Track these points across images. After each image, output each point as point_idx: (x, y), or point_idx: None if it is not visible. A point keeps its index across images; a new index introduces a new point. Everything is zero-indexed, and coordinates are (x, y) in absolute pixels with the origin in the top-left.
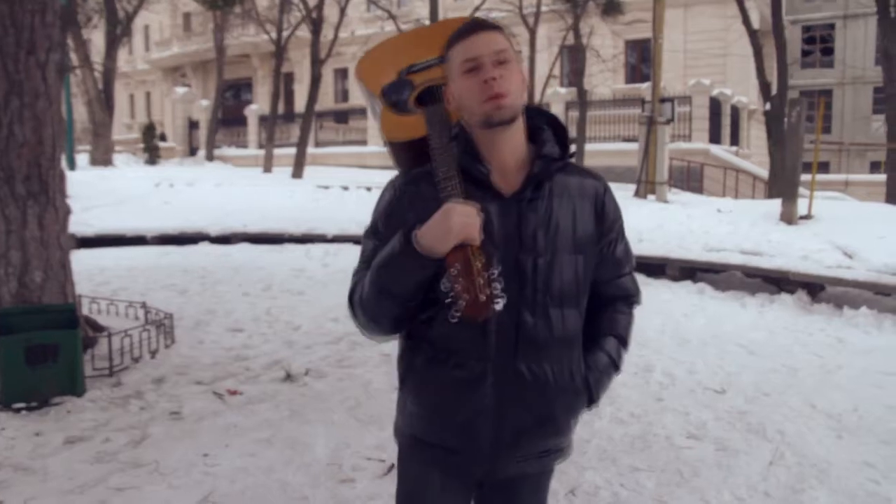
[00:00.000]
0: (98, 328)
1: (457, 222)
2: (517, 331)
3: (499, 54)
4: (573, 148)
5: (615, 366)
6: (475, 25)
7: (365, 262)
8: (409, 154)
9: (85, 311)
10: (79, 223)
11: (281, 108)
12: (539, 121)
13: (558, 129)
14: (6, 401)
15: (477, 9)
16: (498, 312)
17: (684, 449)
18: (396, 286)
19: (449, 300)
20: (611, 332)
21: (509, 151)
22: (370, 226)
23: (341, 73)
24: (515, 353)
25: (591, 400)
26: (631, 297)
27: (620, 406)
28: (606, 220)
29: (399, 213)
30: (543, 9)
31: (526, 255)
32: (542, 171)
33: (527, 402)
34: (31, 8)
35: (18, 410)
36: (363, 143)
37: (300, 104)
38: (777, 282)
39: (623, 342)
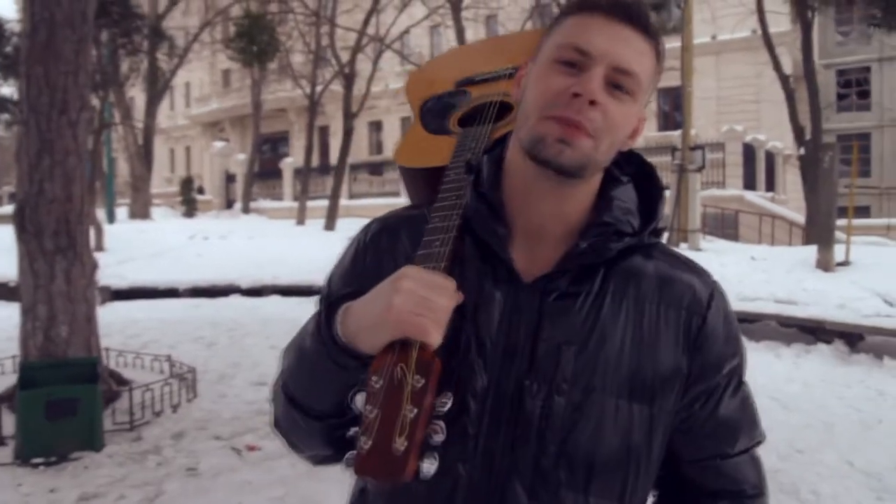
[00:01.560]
0: (122, 382)
1: (402, 304)
2: None
3: (622, 75)
4: (663, 220)
5: None
6: (625, 10)
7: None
8: (428, 189)
9: (112, 364)
10: (114, 275)
11: (316, 161)
12: (619, 169)
13: (648, 185)
14: (25, 455)
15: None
16: (464, 482)
17: None
18: (306, 395)
19: (353, 432)
20: None
21: (553, 214)
22: (321, 296)
23: (375, 126)
24: None
25: None
26: (747, 497)
27: None
28: (706, 350)
29: (355, 276)
30: None
31: (536, 384)
32: (593, 249)
33: None
34: (64, 70)
35: (36, 465)
36: (396, 194)
37: (335, 157)
38: (813, 331)
39: None
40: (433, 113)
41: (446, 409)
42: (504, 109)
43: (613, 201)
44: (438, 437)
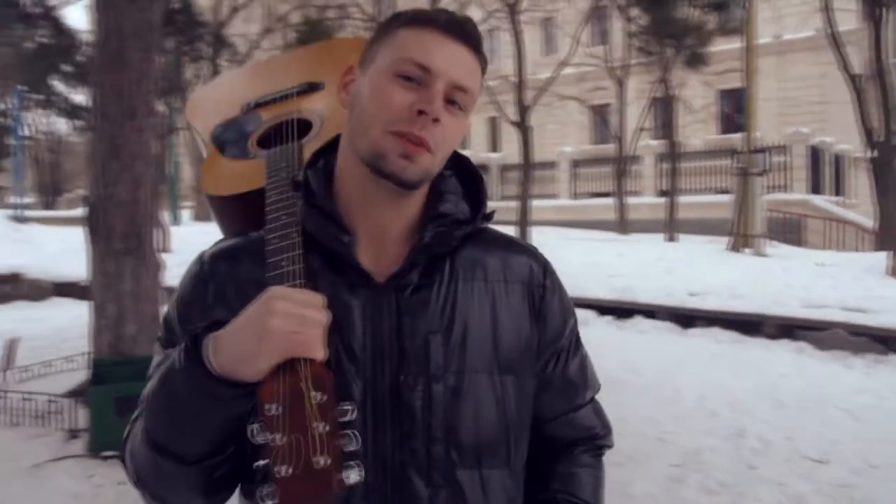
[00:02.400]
0: None
1: (279, 325)
2: None
3: (459, 92)
4: (488, 206)
5: None
6: (462, 28)
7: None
8: (242, 216)
9: None
10: (178, 276)
11: None
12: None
13: (468, 174)
14: (97, 448)
15: (564, 63)
16: (360, 487)
17: None
18: (177, 438)
19: (260, 464)
20: (568, 496)
21: (392, 217)
22: (162, 327)
23: None
24: None
25: None
26: (598, 439)
27: (708, 473)
28: (550, 318)
29: (201, 308)
30: (632, 61)
31: (412, 377)
32: (438, 240)
33: None
34: (131, 77)
35: (107, 458)
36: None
37: None
38: (885, 341)
39: None
40: (228, 139)
41: (351, 416)
42: (302, 126)
43: (445, 194)
44: (352, 445)
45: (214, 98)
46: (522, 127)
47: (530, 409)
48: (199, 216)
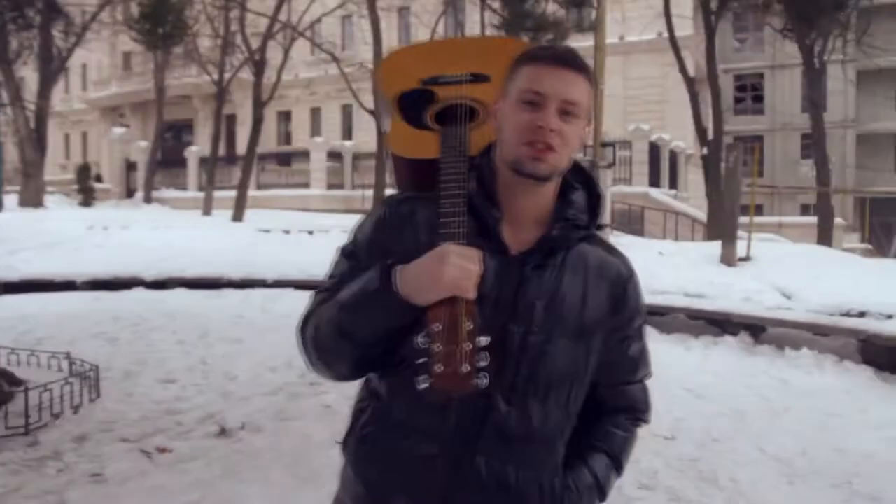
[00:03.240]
0: (15, 382)
1: (451, 272)
2: (484, 416)
3: (568, 105)
4: (605, 218)
5: (601, 491)
6: (563, 57)
7: (331, 287)
8: (415, 176)
9: (3, 362)
10: (4, 267)
11: (222, 150)
12: (572, 177)
13: (592, 192)
14: None
15: None
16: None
17: (636, 501)
18: (361, 331)
19: (421, 361)
20: (604, 448)
21: (530, 205)
22: (347, 243)
23: (284, 116)
24: (476, 442)
25: None
26: (638, 413)
27: None
28: (626, 309)
29: (384, 240)
30: None
31: (517, 326)
32: (561, 236)
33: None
34: None
35: None
36: (306, 185)
37: (242, 146)
38: (720, 324)
39: (617, 464)
40: (409, 107)
41: (485, 343)
42: (471, 112)
43: (573, 203)
44: (484, 362)
45: (402, 64)
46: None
47: (592, 373)
48: (27, 202)
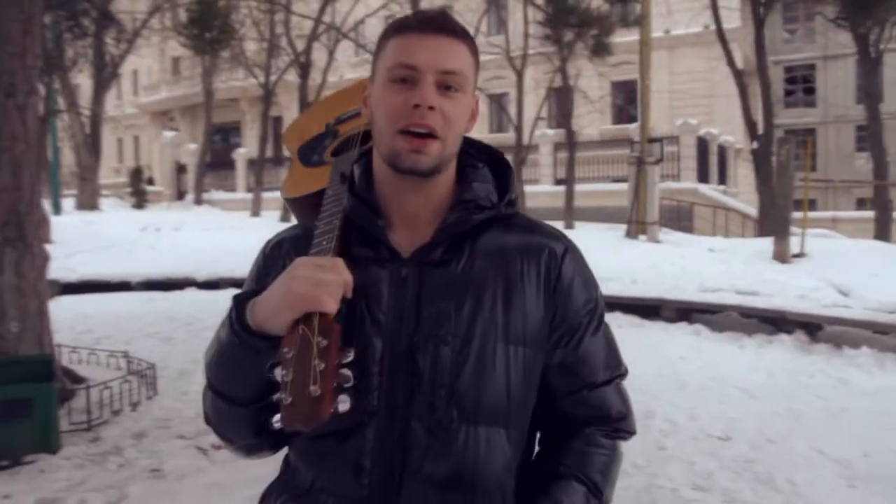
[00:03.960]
0: (77, 379)
1: (298, 285)
2: (404, 457)
3: (448, 76)
4: (515, 193)
5: None
6: (434, 22)
7: None
8: (313, 212)
9: (65, 361)
10: (63, 269)
11: (269, 152)
12: (472, 157)
13: (499, 167)
14: None
15: None
16: (377, 426)
17: (692, 502)
18: (235, 387)
19: (277, 397)
20: (574, 473)
21: (421, 204)
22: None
23: None
24: (399, 490)
25: None
26: (614, 422)
27: None
28: (563, 295)
29: (260, 280)
30: (530, 51)
31: (424, 338)
32: (457, 221)
33: None
34: (11, 51)
35: None
36: None
37: None
38: (774, 322)
39: (596, 491)
40: (309, 152)
41: (350, 359)
42: (367, 136)
43: (472, 183)
44: (348, 382)
45: (305, 123)
46: None
47: (536, 381)
48: (83, 205)
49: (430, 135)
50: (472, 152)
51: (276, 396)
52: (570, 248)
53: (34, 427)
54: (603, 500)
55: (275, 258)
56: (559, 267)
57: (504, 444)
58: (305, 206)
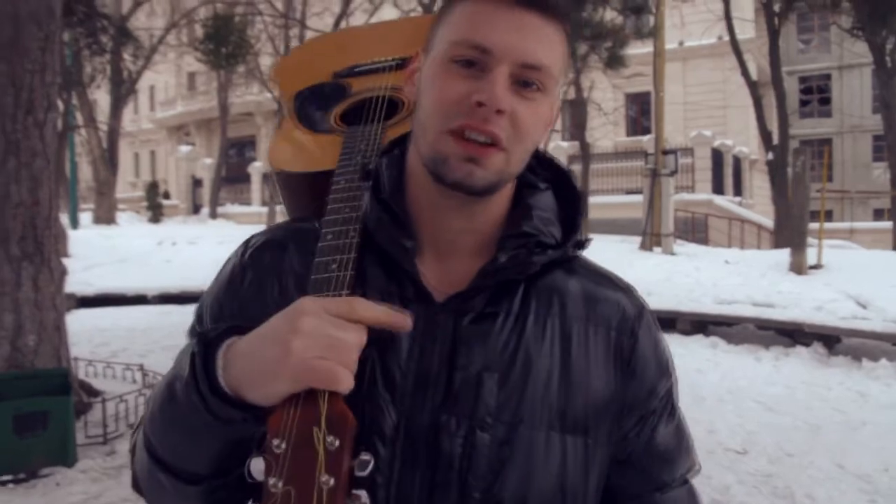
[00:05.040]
0: (93, 392)
1: (303, 346)
2: None
3: (530, 71)
4: (584, 233)
5: None
6: None
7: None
8: (309, 197)
9: (81, 374)
10: (80, 282)
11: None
12: (532, 175)
13: (567, 192)
14: None
15: None
16: None
17: None
18: (175, 452)
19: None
20: None
21: (464, 228)
22: (193, 320)
23: None
24: None
25: None
26: None
27: None
28: (641, 373)
29: (236, 307)
30: None
31: (455, 419)
32: (513, 263)
33: None
34: (30, 68)
35: (5, 483)
36: None
37: None
38: (791, 334)
39: None
40: (310, 107)
41: (367, 472)
42: (393, 105)
43: (532, 210)
44: (365, 501)
45: (305, 61)
46: None
47: (600, 484)
48: (100, 219)
49: (493, 143)
50: (533, 164)
51: (251, 473)
52: (646, 310)
53: (51, 440)
54: None
55: (263, 267)
56: (636, 335)
57: None
58: (300, 186)
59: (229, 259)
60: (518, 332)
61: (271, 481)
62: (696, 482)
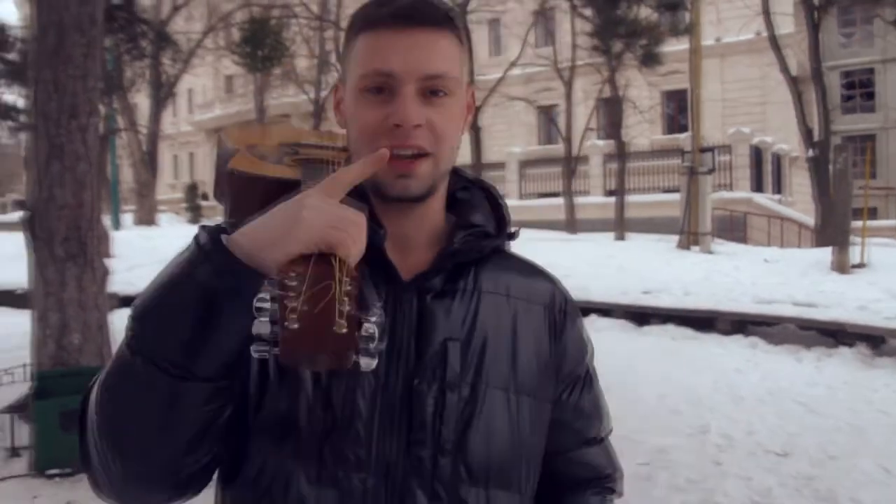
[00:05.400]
0: None
1: (313, 215)
2: None
3: (433, 81)
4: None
5: None
6: (403, 12)
7: None
8: (258, 203)
9: None
10: (122, 282)
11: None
12: (460, 183)
13: (489, 194)
14: (40, 466)
15: (513, 63)
16: (368, 487)
17: None
18: (187, 344)
19: (261, 320)
20: None
21: (414, 225)
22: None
23: None
24: None
25: None
26: (605, 481)
27: (676, 471)
28: (569, 345)
29: None
30: (579, 62)
31: (427, 383)
32: (467, 247)
33: None
34: (73, 74)
35: (52, 477)
36: None
37: None
38: (834, 334)
39: None
40: (259, 153)
41: (377, 318)
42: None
43: (475, 207)
44: (375, 343)
45: (247, 133)
46: (473, 128)
47: (544, 436)
48: (141, 220)
49: (419, 154)
50: (458, 173)
51: (262, 320)
52: (569, 295)
53: None
54: None
55: None
56: (564, 311)
57: None
58: (256, 192)
59: (180, 254)
60: (474, 307)
61: (285, 294)
62: (735, 484)
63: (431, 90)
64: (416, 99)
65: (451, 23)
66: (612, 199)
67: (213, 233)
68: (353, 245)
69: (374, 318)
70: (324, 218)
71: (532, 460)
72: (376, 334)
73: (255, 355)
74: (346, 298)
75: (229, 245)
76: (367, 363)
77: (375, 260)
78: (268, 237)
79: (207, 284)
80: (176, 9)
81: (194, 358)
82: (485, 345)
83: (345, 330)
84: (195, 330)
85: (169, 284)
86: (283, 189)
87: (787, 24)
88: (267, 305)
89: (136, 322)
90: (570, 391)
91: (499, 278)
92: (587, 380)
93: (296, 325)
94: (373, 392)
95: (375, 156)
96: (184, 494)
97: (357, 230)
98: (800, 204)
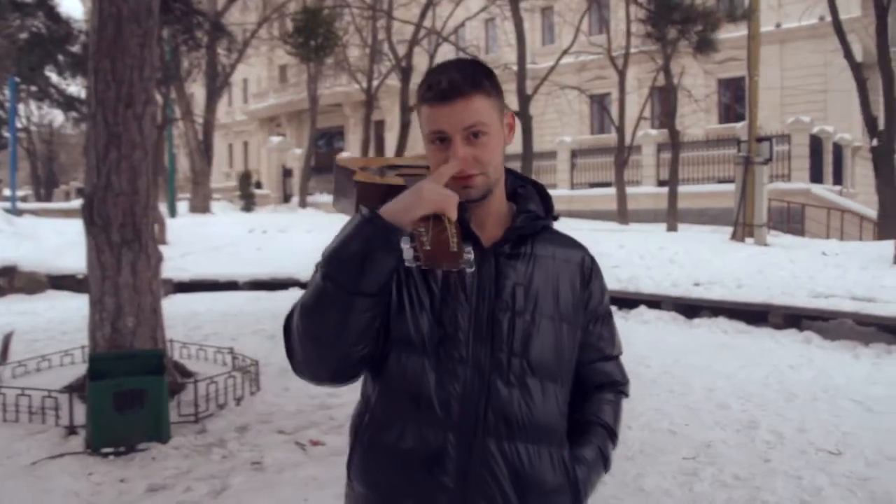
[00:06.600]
0: (186, 374)
1: (430, 194)
2: (487, 400)
3: (471, 129)
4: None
5: (605, 461)
6: (447, 92)
7: None
8: (383, 197)
9: (176, 355)
10: (177, 268)
11: (372, 155)
12: (517, 178)
13: (539, 189)
14: (95, 445)
15: (565, 51)
16: (462, 384)
17: None
18: (358, 278)
19: (409, 245)
20: (598, 420)
21: (483, 214)
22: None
23: None
24: (484, 427)
25: (577, 500)
26: (619, 385)
27: (722, 467)
28: (594, 292)
29: None
30: (633, 50)
31: (503, 312)
32: (526, 225)
33: (496, 491)
34: (130, 63)
35: (106, 455)
36: None
37: (390, 151)
38: (894, 330)
39: (611, 433)
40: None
41: (470, 253)
42: None
43: (528, 199)
44: (471, 256)
45: (356, 160)
46: (523, 116)
47: (576, 350)
48: (196, 208)
49: (472, 175)
50: (515, 175)
51: (408, 245)
52: (594, 260)
53: (147, 417)
54: (616, 437)
55: None
56: (591, 270)
57: (559, 394)
58: (377, 192)
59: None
60: (532, 264)
61: (421, 234)
62: (784, 483)
63: (473, 133)
64: (463, 143)
65: (477, 83)
66: (665, 190)
67: (370, 209)
68: (453, 210)
69: (467, 249)
70: (435, 193)
71: (568, 365)
72: (471, 255)
73: (407, 264)
74: (453, 235)
75: (382, 214)
76: (469, 266)
77: (466, 232)
78: (403, 207)
79: (370, 237)
80: (231, 0)
81: (362, 281)
82: (539, 289)
83: (455, 249)
84: (365, 264)
85: (347, 239)
86: (393, 191)
87: (853, 7)
88: (408, 245)
89: (327, 262)
90: (594, 322)
91: (547, 247)
92: (606, 315)
93: (428, 248)
94: (468, 316)
95: (454, 164)
96: (349, 376)
97: (454, 200)
98: (862, 195)
